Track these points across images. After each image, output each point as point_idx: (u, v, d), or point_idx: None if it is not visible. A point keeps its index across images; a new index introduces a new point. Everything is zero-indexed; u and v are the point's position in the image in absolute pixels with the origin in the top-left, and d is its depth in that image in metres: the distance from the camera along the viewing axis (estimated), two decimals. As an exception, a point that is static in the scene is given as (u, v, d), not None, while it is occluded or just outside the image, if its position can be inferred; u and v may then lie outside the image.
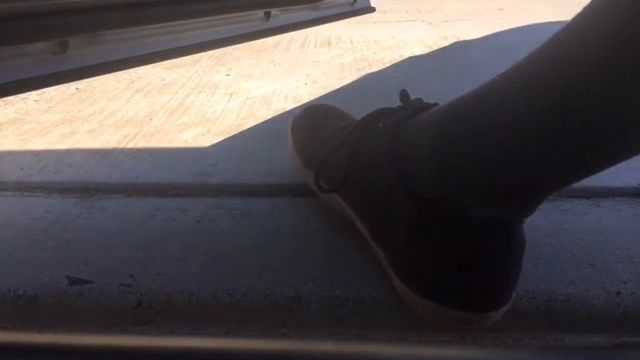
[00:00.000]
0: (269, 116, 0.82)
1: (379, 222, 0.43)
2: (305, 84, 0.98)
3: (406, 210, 0.40)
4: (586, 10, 0.31)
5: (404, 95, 0.46)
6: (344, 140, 0.48)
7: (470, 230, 0.37)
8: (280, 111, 0.84)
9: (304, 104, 0.87)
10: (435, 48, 1.23)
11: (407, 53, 1.19)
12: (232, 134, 0.75)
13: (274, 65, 1.13)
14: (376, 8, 0.83)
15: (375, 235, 0.44)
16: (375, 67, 1.08)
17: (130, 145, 0.72)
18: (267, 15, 0.60)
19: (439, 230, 0.38)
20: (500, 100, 0.35)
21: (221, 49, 1.21)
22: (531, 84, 0.33)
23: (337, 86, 0.96)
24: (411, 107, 0.44)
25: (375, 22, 1.58)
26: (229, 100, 0.90)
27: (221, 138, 0.74)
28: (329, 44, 1.31)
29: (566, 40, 0.32)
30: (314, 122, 0.58)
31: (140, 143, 0.72)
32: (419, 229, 0.39)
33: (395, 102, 0.50)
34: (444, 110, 0.40)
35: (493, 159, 0.35)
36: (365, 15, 0.81)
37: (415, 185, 0.39)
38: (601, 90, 0.30)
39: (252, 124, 0.79)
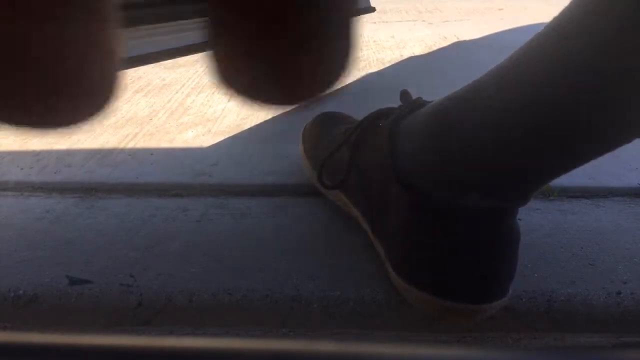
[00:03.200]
0: (269, 116, 0.82)
1: (378, 217, 0.44)
2: (305, 84, 0.98)
3: (401, 203, 0.41)
4: (570, 6, 0.32)
5: (404, 94, 0.47)
6: (345, 139, 0.49)
7: (461, 221, 0.37)
8: (280, 111, 0.84)
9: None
10: (435, 48, 1.23)
11: (407, 53, 1.19)
12: (232, 134, 0.75)
13: (274, 65, 1.12)
14: (376, 8, 0.83)
15: (375, 230, 0.45)
16: (375, 67, 1.08)
17: (130, 145, 0.72)
18: (267, 15, 0.60)
19: (431, 222, 0.39)
20: (487, 93, 0.36)
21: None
22: (516, 78, 0.34)
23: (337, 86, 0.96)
24: (409, 106, 0.44)
25: (375, 22, 1.58)
26: (229, 100, 0.90)
27: (221, 138, 0.74)
28: (329, 44, 1.31)
29: (551, 35, 0.33)
30: (321, 128, 0.59)
31: (140, 143, 0.72)
32: (412, 220, 0.40)
33: (395, 102, 0.50)
34: (436, 105, 0.41)
35: (480, 150, 0.36)
36: (365, 15, 0.81)
37: (410, 178, 0.40)
38: (583, 82, 0.31)
39: (252, 124, 0.79)
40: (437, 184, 0.38)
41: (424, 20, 1.60)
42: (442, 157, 0.38)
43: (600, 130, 0.32)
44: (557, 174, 0.37)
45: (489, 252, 0.38)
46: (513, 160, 0.35)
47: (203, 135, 0.75)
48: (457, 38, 1.33)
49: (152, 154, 0.69)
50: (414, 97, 0.46)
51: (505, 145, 0.35)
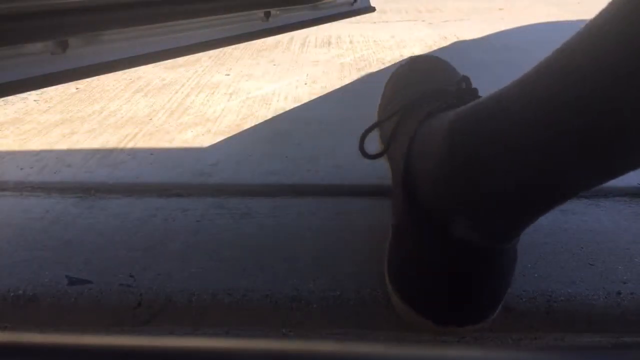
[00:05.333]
0: (269, 116, 0.82)
1: (394, 201, 0.43)
2: (305, 83, 0.98)
3: (400, 208, 0.40)
4: (605, 11, 0.29)
5: (461, 81, 0.43)
6: (395, 111, 0.47)
7: (450, 243, 0.35)
8: (280, 111, 0.84)
9: (303, 104, 0.87)
10: (435, 48, 1.23)
11: (407, 53, 1.19)
12: (232, 134, 0.75)
13: (274, 65, 1.13)
14: (376, 8, 0.83)
15: (392, 214, 0.44)
16: (375, 67, 1.08)
17: (130, 145, 0.72)
18: (267, 15, 0.60)
19: (419, 236, 0.38)
20: (506, 109, 0.33)
21: (221, 49, 1.21)
22: (539, 95, 0.31)
23: (337, 86, 0.96)
24: (448, 101, 0.41)
25: (375, 22, 1.58)
26: (228, 100, 0.90)
27: (221, 138, 0.74)
28: (329, 44, 1.31)
29: (579, 47, 0.29)
30: (399, 82, 0.55)
31: (140, 143, 0.72)
32: (403, 228, 0.39)
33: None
34: (453, 116, 0.38)
35: (489, 175, 0.34)
36: (365, 15, 0.81)
37: (416, 186, 0.39)
38: (625, 92, 0.27)
39: (252, 124, 0.79)
40: (440, 202, 0.37)
41: (424, 20, 1.60)
42: (450, 177, 0.36)
43: (635, 150, 0.29)
44: (565, 199, 0.34)
45: (468, 279, 0.36)
46: (516, 191, 0.33)
47: (203, 135, 0.75)
48: (457, 38, 1.33)
49: (151, 154, 0.69)
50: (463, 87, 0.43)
51: (509, 175, 0.32)
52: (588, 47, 0.29)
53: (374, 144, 0.51)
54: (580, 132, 0.29)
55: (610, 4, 0.28)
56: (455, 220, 0.35)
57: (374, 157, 0.47)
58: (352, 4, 0.75)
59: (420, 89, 0.49)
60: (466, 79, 0.44)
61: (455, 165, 0.35)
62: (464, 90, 0.43)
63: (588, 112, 0.29)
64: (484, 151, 0.34)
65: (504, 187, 0.33)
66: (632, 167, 0.31)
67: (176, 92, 0.95)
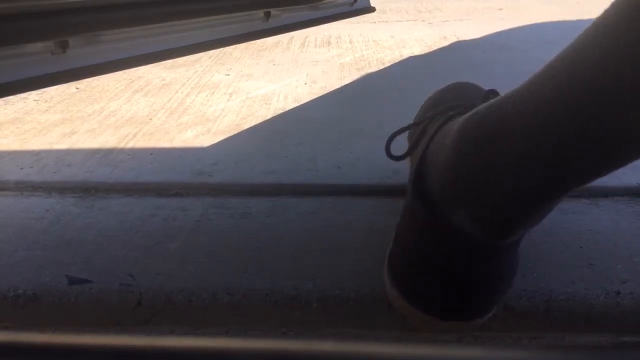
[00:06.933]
0: (269, 116, 0.82)
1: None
2: (305, 83, 0.98)
3: (406, 204, 0.41)
4: (607, 12, 0.29)
5: (489, 94, 0.44)
6: (422, 119, 0.50)
7: (450, 236, 0.36)
8: (280, 111, 0.84)
9: (303, 104, 0.87)
10: (435, 48, 1.23)
11: (407, 53, 1.19)
12: (232, 133, 0.75)
13: (274, 65, 1.13)
14: (376, 8, 0.83)
15: None
16: (375, 67, 1.08)
17: (130, 144, 0.72)
18: (267, 15, 0.60)
19: (422, 230, 0.38)
20: (507, 111, 0.34)
21: (221, 49, 1.21)
22: (542, 96, 0.32)
23: (337, 86, 0.96)
24: (469, 108, 0.42)
25: (375, 22, 1.58)
26: (228, 100, 0.90)
27: (221, 138, 0.74)
28: (329, 43, 1.31)
29: (583, 47, 0.30)
30: (435, 100, 0.58)
31: (140, 143, 0.72)
32: (408, 224, 0.40)
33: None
34: (463, 117, 0.39)
35: (493, 174, 0.34)
36: (365, 15, 0.81)
37: (425, 181, 0.40)
38: (620, 98, 0.28)
39: (252, 124, 0.79)
40: (444, 195, 0.37)
41: (424, 20, 1.60)
42: (455, 169, 0.37)
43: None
44: (563, 194, 0.35)
45: (466, 277, 0.36)
46: (514, 190, 0.34)
47: (203, 134, 0.75)
48: (457, 38, 1.33)
49: (151, 154, 0.69)
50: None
51: (509, 175, 0.33)
52: (595, 45, 0.29)
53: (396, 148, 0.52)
54: (585, 129, 0.30)
55: (612, 4, 0.29)
56: (456, 213, 0.36)
57: (398, 158, 0.49)
58: (352, 4, 0.75)
59: (450, 104, 0.51)
60: (494, 92, 0.45)
61: (460, 159, 0.36)
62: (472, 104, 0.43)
63: (595, 109, 0.29)
64: (486, 146, 0.34)
65: (503, 182, 0.34)
66: (630, 160, 0.32)
67: (176, 92, 0.95)
